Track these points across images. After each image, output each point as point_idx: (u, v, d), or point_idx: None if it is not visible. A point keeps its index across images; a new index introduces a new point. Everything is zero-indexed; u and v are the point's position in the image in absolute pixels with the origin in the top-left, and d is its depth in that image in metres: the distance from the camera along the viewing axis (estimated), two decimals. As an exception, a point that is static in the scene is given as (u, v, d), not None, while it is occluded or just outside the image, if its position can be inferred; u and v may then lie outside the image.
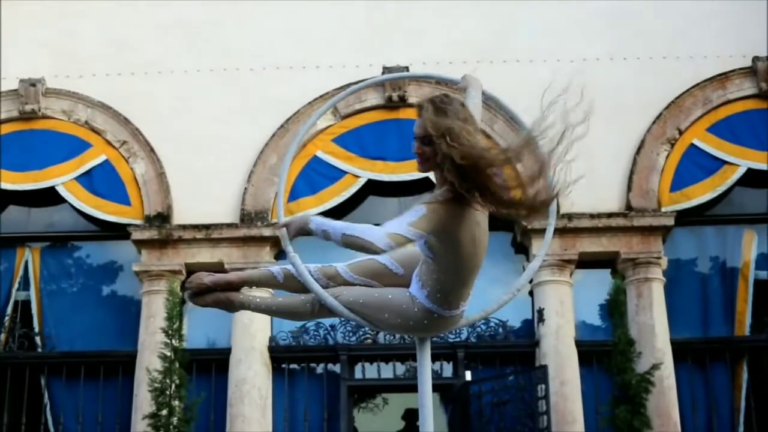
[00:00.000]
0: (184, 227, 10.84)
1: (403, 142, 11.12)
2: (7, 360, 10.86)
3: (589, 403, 10.36)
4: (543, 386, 9.77)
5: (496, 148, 3.41)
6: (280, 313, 3.88)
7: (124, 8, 11.70)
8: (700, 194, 10.87)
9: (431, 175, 3.53)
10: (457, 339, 10.59)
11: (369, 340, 10.75)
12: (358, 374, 10.81)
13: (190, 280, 3.97)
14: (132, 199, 11.07)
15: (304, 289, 3.72)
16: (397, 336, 10.36)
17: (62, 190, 11.12)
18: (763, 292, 10.83)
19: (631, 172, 10.90)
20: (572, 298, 10.64)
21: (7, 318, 11.01)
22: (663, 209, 10.76)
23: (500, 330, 10.74)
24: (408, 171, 10.88)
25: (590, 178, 10.99)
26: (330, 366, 10.83)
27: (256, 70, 11.39)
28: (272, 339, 10.71)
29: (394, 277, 3.66)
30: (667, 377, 10.20)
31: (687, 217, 10.89)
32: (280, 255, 10.95)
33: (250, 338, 10.41)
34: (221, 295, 3.95)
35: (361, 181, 11.04)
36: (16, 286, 11.15)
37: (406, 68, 10.93)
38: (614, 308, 9.99)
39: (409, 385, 10.58)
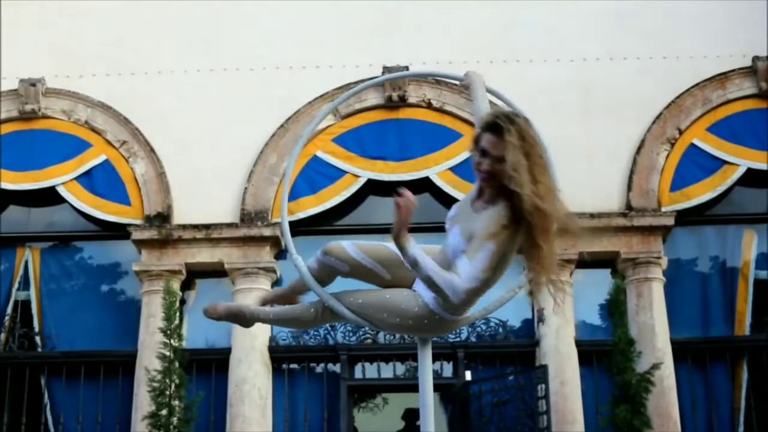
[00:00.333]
0: (184, 227, 10.84)
1: (402, 142, 11.12)
2: (7, 360, 10.86)
3: (589, 402, 10.35)
4: (543, 386, 9.77)
5: (564, 207, 3.39)
6: (286, 321, 3.90)
7: (124, 8, 11.70)
8: (700, 194, 10.88)
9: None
10: (457, 339, 10.59)
11: (369, 340, 10.75)
12: (358, 374, 10.80)
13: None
14: (132, 199, 11.07)
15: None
16: (397, 336, 10.36)
17: (62, 190, 11.12)
18: (763, 291, 10.82)
19: (631, 172, 10.90)
20: (572, 298, 10.63)
21: (7, 318, 11.01)
22: (663, 209, 10.77)
23: (500, 330, 10.73)
24: (408, 171, 10.88)
25: (590, 178, 11.12)
26: (330, 366, 10.82)
27: (256, 69, 11.39)
28: (272, 339, 10.71)
29: (401, 268, 3.56)
30: (667, 377, 10.20)
31: (687, 217, 10.90)
32: (280, 255, 10.96)
33: (251, 338, 10.40)
34: (233, 306, 4.02)
35: (361, 181, 11.04)
36: (16, 285, 11.14)
37: (406, 68, 10.92)
38: (614, 308, 10.00)
39: (409, 385, 10.58)
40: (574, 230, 3.40)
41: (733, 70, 11.18)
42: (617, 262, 10.72)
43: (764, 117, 11.07)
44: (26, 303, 11.13)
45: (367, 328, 10.46)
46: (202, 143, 11.17)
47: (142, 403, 10.11)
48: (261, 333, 10.52)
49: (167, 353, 9.87)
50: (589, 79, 11.18)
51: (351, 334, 10.73)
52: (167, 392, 9.77)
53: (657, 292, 10.55)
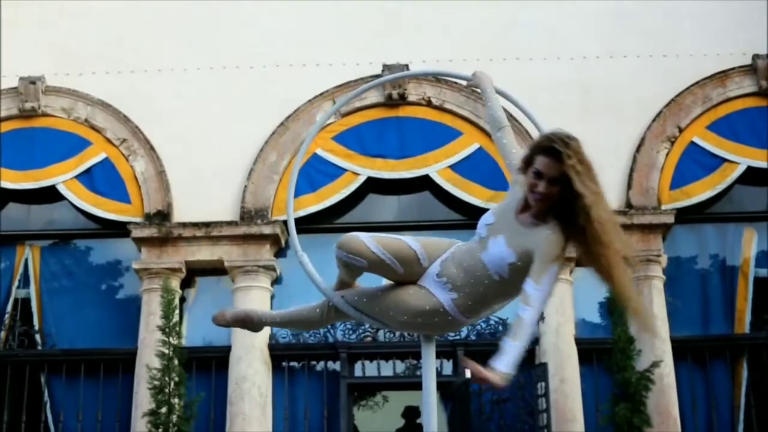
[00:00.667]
0: (184, 225, 10.84)
1: (402, 140, 11.12)
2: (7, 358, 10.86)
3: (589, 400, 10.36)
4: (543, 384, 9.76)
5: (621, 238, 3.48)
6: (293, 323, 3.92)
7: (124, 7, 11.70)
8: (700, 192, 10.88)
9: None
10: (457, 337, 10.57)
11: (369, 338, 10.75)
12: (358, 372, 10.81)
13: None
14: (132, 197, 11.08)
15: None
16: (397, 334, 10.36)
17: (62, 188, 11.12)
18: (763, 289, 10.83)
19: (631, 170, 10.90)
20: (572, 296, 10.63)
21: (7, 316, 11.02)
22: (663, 207, 10.77)
23: (500, 328, 10.73)
24: (407, 169, 10.89)
25: (590, 176, 11.08)
26: (330, 364, 10.83)
27: (256, 68, 11.39)
28: (272, 337, 10.72)
29: (417, 266, 3.54)
30: (666, 375, 10.21)
31: (687, 215, 10.90)
32: (280, 253, 10.96)
33: (251, 336, 10.39)
34: (240, 311, 4.16)
35: (361, 179, 11.03)
36: (16, 283, 11.15)
37: (406, 66, 10.93)
38: (614, 306, 9.98)
39: (408, 383, 10.60)
40: (628, 252, 3.54)
41: (733, 69, 11.18)
42: (617, 260, 10.69)
43: (764, 115, 11.07)
44: (26, 301, 11.14)
45: (367, 326, 10.47)
46: (202, 141, 11.17)
47: (142, 400, 10.12)
48: (261, 331, 10.50)
49: (166, 351, 9.88)
50: (589, 77, 11.18)
51: (351, 332, 10.73)
52: (167, 390, 9.78)
53: (657, 290, 10.54)
